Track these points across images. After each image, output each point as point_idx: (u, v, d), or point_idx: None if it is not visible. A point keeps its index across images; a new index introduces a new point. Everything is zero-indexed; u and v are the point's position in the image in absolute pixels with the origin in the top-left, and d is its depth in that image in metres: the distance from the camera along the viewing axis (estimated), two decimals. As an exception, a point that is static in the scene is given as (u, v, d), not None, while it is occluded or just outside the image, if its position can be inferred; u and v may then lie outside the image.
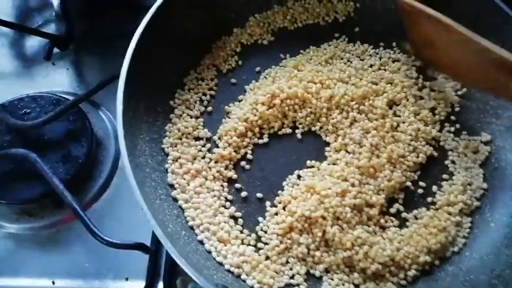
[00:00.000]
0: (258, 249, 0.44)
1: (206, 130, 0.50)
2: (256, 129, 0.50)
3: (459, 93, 0.52)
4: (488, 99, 0.51)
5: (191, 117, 0.51)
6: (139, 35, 0.46)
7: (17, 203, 0.49)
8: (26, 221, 0.50)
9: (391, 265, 0.43)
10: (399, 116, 0.51)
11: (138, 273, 0.46)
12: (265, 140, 0.50)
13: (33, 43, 0.63)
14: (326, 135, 0.50)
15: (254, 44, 0.56)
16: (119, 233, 0.46)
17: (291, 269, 0.43)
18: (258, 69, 0.54)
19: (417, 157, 0.48)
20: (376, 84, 0.52)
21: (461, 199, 0.46)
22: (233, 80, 0.54)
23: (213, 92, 0.53)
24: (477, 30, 0.48)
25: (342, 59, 0.55)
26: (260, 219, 0.46)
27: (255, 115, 0.49)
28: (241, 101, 0.52)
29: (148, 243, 0.46)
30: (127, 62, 0.44)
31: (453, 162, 0.49)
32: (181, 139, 0.49)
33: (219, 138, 0.49)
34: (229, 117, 0.51)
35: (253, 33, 0.56)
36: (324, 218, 0.44)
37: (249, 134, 0.50)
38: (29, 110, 0.53)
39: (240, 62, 0.55)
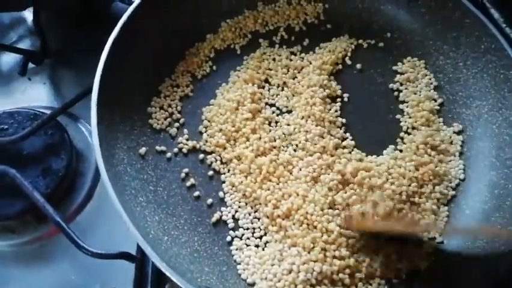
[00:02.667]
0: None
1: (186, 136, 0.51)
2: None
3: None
4: (457, 91, 0.52)
5: (169, 124, 0.51)
6: (109, 46, 0.46)
7: (-1, 220, 0.49)
8: (8, 238, 0.50)
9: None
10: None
11: (125, 282, 0.46)
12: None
13: (8, 59, 0.62)
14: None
15: (227, 48, 0.57)
16: (105, 243, 0.46)
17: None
18: (232, 73, 0.55)
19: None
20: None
21: (438, 190, 0.48)
22: (208, 85, 0.54)
23: (188, 98, 0.53)
24: (438, 25, 0.51)
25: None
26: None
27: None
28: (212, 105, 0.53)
29: (134, 252, 0.46)
30: (98, 74, 0.45)
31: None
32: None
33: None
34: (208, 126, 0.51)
35: (225, 38, 0.57)
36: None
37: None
38: (6, 126, 0.53)
39: (214, 67, 0.55)
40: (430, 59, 0.55)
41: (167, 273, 0.36)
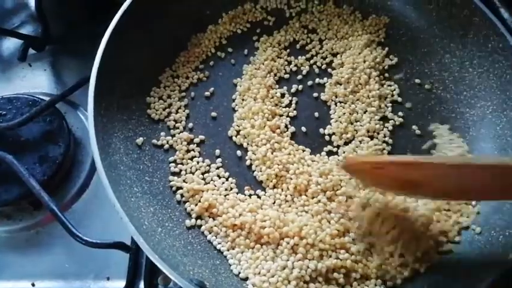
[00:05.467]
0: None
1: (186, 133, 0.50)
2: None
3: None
4: (462, 90, 0.51)
5: (168, 114, 0.51)
6: (109, 34, 0.46)
7: (-6, 206, 0.49)
8: (4, 224, 0.50)
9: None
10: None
11: (119, 272, 0.46)
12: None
13: (9, 44, 0.62)
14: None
15: (228, 39, 0.56)
16: (100, 232, 0.46)
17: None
18: (233, 61, 0.55)
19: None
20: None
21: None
22: (209, 76, 0.54)
23: (188, 89, 0.53)
24: (445, 22, 0.50)
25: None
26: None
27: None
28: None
29: (129, 242, 0.45)
30: (97, 62, 0.44)
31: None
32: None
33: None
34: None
35: (227, 29, 0.56)
36: None
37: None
38: (4, 112, 0.53)
39: (215, 58, 0.55)
40: (436, 57, 0.54)
41: (158, 264, 0.36)
